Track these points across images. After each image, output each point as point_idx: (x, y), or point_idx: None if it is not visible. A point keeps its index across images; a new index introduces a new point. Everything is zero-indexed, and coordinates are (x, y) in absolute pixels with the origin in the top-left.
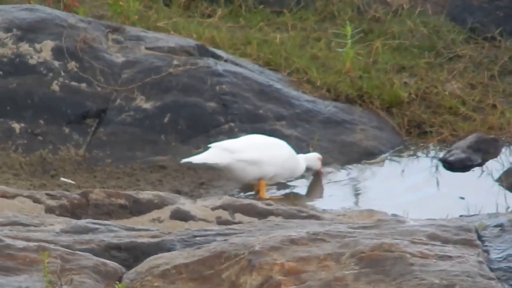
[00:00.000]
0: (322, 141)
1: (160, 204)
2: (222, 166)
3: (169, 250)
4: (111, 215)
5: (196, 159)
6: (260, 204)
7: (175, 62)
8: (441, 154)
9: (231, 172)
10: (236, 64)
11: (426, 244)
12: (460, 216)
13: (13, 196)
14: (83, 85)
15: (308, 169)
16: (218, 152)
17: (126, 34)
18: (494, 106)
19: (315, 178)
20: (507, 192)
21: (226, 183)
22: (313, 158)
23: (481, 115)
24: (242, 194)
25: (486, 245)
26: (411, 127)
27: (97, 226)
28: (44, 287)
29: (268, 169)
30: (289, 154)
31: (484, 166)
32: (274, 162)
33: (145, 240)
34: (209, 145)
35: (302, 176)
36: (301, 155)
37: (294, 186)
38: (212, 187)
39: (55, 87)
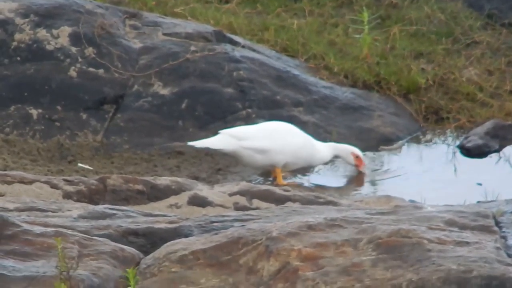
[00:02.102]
0: (340, 127)
1: (177, 190)
2: (227, 152)
3: (186, 235)
4: (129, 201)
5: (200, 143)
6: (277, 190)
7: (192, 48)
8: (458, 141)
9: (239, 159)
10: (254, 50)
11: (444, 230)
12: (478, 202)
13: (30, 182)
14: (101, 71)
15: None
16: (225, 138)
17: (143, 20)
18: (511, 92)
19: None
20: None
21: (244, 169)
22: (344, 150)
23: (499, 101)
24: (259, 180)
25: (504, 231)
26: (429, 114)
27: (114, 211)
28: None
29: (277, 157)
30: (302, 143)
31: (501, 152)
32: (285, 151)
33: (163, 225)
34: (219, 131)
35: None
36: (329, 144)
37: (313, 172)
38: (229, 173)
39: (72, 73)
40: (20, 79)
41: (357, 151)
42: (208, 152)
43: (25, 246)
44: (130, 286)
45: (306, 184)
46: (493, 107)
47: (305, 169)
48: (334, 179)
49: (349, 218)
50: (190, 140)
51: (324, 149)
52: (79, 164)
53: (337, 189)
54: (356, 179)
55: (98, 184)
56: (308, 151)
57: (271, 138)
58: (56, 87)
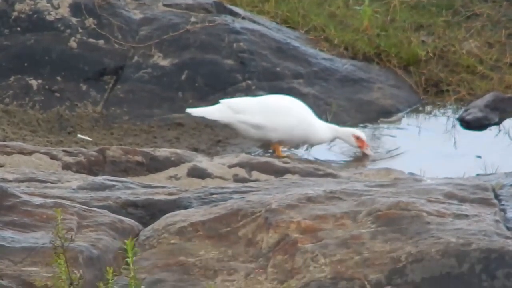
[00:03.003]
0: (340, 99)
1: (177, 162)
2: (222, 123)
3: (185, 207)
4: (128, 172)
5: (197, 111)
6: (277, 162)
7: (192, 19)
8: (458, 113)
9: (236, 131)
10: (254, 22)
11: (443, 202)
12: (477, 175)
13: (30, 153)
14: (101, 42)
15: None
16: (222, 109)
17: None
18: (511, 65)
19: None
20: None
21: (243, 140)
22: (345, 133)
23: (499, 74)
24: (259, 152)
25: (503, 204)
26: (429, 86)
27: (114, 183)
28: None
29: (271, 134)
30: (297, 122)
31: (501, 125)
32: (278, 129)
33: (162, 197)
34: (220, 101)
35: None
36: (330, 126)
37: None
38: (229, 145)
39: (72, 43)
40: (20, 50)
41: (358, 132)
42: (208, 124)
43: (24, 217)
44: (128, 257)
45: (307, 157)
46: (493, 80)
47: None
48: (335, 154)
49: (349, 190)
50: None
51: (324, 130)
52: (79, 135)
53: (337, 163)
54: (359, 158)
55: (97, 156)
56: (303, 130)
57: (265, 115)
58: (56, 57)
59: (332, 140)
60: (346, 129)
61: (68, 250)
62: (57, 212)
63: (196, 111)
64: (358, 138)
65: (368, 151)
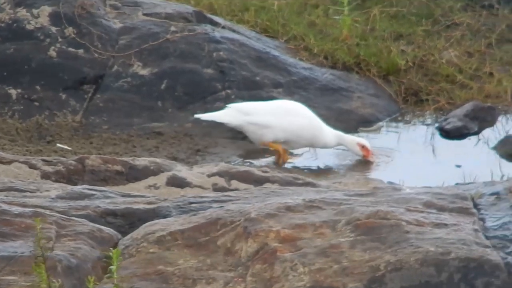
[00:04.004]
0: (319, 108)
1: (156, 171)
2: (233, 126)
3: (165, 216)
4: (107, 181)
5: (206, 116)
6: (256, 171)
7: (172, 29)
8: (437, 122)
9: (246, 133)
10: (234, 31)
11: (422, 212)
12: (456, 184)
13: (9, 162)
14: (81, 51)
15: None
16: (231, 112)
17: (123, 0)
18: (491, 74)
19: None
20: (503, 161)
21: (223, 150)
22: (350, 141)
23: (478, 83)
24: (238, 161)
25: (482, 213)
26: (408, 95)
27: (93, 192)
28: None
29: (280, 134)
30: (306, 124)
31: (480, 134)
32: (287, 129)
33: (141, 206)
34: (227, 105)
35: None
36: (336, 132)
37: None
38: (208, 154)
39: (52, 52)
40: None
41: (363, 141)
42: (187, 133)
43: (3, 227)
44: (112, 266)
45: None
46: (472, 89)
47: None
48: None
49: (328, 199)
50: (170, 121)
51: (330, 136)
52: (58, 145)
53: (317, 171)
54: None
55: (76, 165)
56: (311, 132)
57: (275, 115)
58: (35, 66)
59: (336, 146)
60: (351, 137)
61: (47, 259)
62: (36, 221)
63: (205, 116)
64: (363, 147)
65: (372, 159)
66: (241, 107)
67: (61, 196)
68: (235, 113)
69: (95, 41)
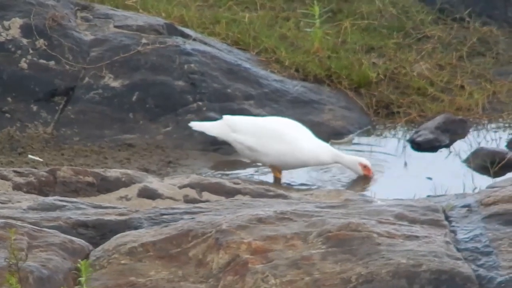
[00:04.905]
0: None
1: (127, 182)
2: (221, 140)
3: (136, 228)
4: (79, 193)
5: (198, 125)
6: (227, 183)
7: (143, 41)
8: (409, 135)
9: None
10: (205, 43)
11: (393, 224)
12: (428, 196)
13: None
14: (52, 63)
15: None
16: (221, 126)
17: (95, 12)
18: (462, 87)
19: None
20: (475, 173)
21: (194, 161)
22: (351, 162)
23: (449, 96)
24: (209, 173)
25: (453, 226)
26: (379, 108)
27: (64, 203)
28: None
29: (263, 158)
30: (288, 150)
31: (451, 146)
32: (269, 154)
33: (112, 217)
34: (223, 116)
35: None
36: (334, 151)
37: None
38: (179, 166)
39: (23, 64)
40: None
41: (364, 161)
42: (159, 145)
43: None
44: (81, 277)
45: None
46: (443, 102)
47: None
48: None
49: (299, 211)
50: (141, 133)
51: (324, 153)
52: (29, 156)
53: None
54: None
55: (48, 176)
56: (294, 157)
57: (258, 138)
58: (6, 78)
59: (332, 163)
60: (351, 157)
61: (19, 270)
62: (10, 232)
63: (197, 126)
64: (365, 167)
65: (373, 178)
66: (231, 122)
67: (32, 207)
68: (224, 128)
69: (66, 53)
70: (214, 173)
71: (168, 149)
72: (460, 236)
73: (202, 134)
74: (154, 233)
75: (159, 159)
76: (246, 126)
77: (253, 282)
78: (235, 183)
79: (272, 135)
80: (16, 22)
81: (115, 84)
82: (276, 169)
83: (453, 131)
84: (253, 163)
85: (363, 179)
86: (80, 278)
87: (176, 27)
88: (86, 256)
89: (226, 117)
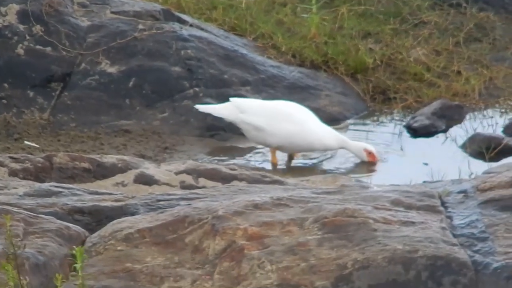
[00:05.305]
0: None
1: (124, 168)
2: (228, 121)
3: (132, 214)
4: (75, 179)
5: (204, 108)
6: (224, 169)
7: (140, 27)
8: (405, 121)
9: (240, 130)
10: (202, 29)
11: (389, 210)
12: (424, 182)
13: None
14: (48, 49)
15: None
16: (229, 107)
17: None
18: (458, 72)
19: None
20: (471, 159)
21: (190, 147)
22: (357, 148)
23: (446, 81)
24: (206, 158)
25: (449, 211)
26: (376, 93)
27: (60, 189)
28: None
29: (270, 139)
30: (298, 131)
31: (448, 132)
32: (278, 134)
33: (109, 204)
34: (230, 99)
35: None
36: (340, 137)
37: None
38: (176, 152)
39: (20, 50)
40: None
41: (370, 147)
42: (155, 131)
43: None
44: (76, 264)
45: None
46: (440, 87)
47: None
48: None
49: (295, 197)
50: (138, 119)
51: (330, 138)
52: (26, 142)
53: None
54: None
55: (44, 162)
56: (302, 139)
57: (269, 119)
58: (3, 64)
59: (338, 148)
60: (357, 143)
61: (18, 256)
62: (6, 218)
63: (204, 108)
64: (370, 153)
65: (377, 164)
66: (239, 103)
67: (28, 193)
68: (232, 109)
69: (63, 39)
70: (211, 159)
71: (165, 135)
72: (456, 222)
73: (198, 120)
74: (150, 219)
75: (155, 145)
76: (255, 107)
77: (249, 268)
78: (231, 169)
79: (282, 116)
80: (13, 8)
81: (112, 70)
82: (281, 151)
83: (449, 116)
84: (249, 149)
85: (366, 164)
86: (75, 265)
87: (173, 13)
88: (82, 243)
89: (233, 99)
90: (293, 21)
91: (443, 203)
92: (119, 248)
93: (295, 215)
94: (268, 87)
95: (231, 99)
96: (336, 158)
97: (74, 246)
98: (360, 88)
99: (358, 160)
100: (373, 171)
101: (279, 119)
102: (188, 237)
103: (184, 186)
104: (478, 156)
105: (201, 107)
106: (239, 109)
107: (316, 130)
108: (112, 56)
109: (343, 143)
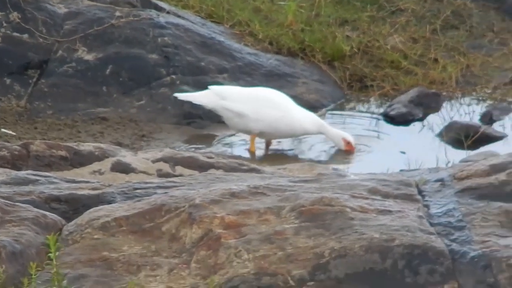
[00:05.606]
0: None
1: (101, 156)
2: (208, 108)
3: (109, 202)
4: (52, 167)
5: (184, 96)
6: (201, 157)
7: (117, 14)
8: (382, 108)
9: (221, 118)
10: (179, 16)
11: (366, 198)
12: (401, 170)
13: None
14: (25, 36)
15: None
16: (209, 95)
17: None
18: (435, 60)
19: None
20: (448, 147)
21: (168, 135)
22: (335, 136)
23: (423, 69)
24: (183, 146)
25: (426, 200)
26: (353, 81)
27: (37, 177)
28: None
29: (252, 124)
30: (280, 116)
31: (425, 120)
32: (260, 120)
33: (86, 192)
34: (208, 87)
35: None
36: (320, 122)
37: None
38: (153, 140)
39: None
40: None
41: (348, 137)
42: (132, 118)
43: None
44: (51, 252)
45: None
46: (417, 75)
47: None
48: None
49: (272, 185)
50: (115, 106)
51: (310, 123)
52: (2, 129)
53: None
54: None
55: (21, 150)
56: (285, 124)
57: (250, 104)
58: None
59: (317, 133)
60: (336, 131)
61: None
62: None
63: (183, 96)
64: (348, 143)
65: (353, 153)
66: (220, 91)
67: (5, 181)
68: (213, 96)
69: (40, 26)
70: (188, 147)
71: (142, 123)
72: (433, 210)
73: (175, 107)
74: (127, 207)
75: (132, 132)
76: (236, 94)
77: (226, 256)
78: (208, 157)
79: (264, 102)
80: None
81: (89, 57)
82: (262, 137)
83: (426, 104)
84: (226, 138)
85: (343, 153)
86: (49, 254)
87: (150, 0)
88: (59, 231)
89: (212, 87)
90: (270, 9)
91: (420, 192)
92: (95, 236)
93: (272, 203)
94: (245, 75)
95: (210, 87)
96: (314, 146)
97: (47, 235)
98: (337, 75)
99: (335, 149)
100: (349, 160)
101: (262, 105)
102: (165, 225)
103: (161, 174)
104: (455, 144)
105: (181, 95)
106: (220, 96)
107: (298, 115)
108: (89, 43)
109: (322, 128)
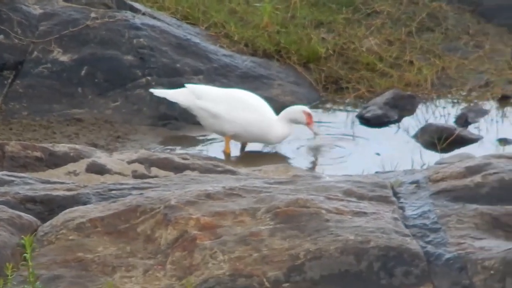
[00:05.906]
0: None
1: (76, 157)
2: (184, 107)
3: (84, 203)
4: (27, 168)
5: (159, 92)
6: (176, 158)
7: (93, 15)
8: (357, 110)
9: (196, 117)
10: (154, 18)
11: (342, 200)
12: (376, 172)
13: None
14: (1, 37)
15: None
16: (185, 93)
17: None
18: (411, 62)
19: None
20: (423, 149)
21: (143, 136)
22: (295, 111)
23: (398, 71)
24: (158, 148)
25: (402, 202)
26: (328, 83)
27: (12, 178)
28: None
29: (226, 126)
30: (254, 119)
31: (400, 122)
32: (234, 122)
33: (61, 193)
34: (185, 85)
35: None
36: (281, 114)
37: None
38: (128, 141)
39: None
40: None
41: (307, 109)
42: (107, 120)
43: None
44: (27, 253)
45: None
46: (392, 77)
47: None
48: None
49: (248, 187)
50: (90, 107)
51: (281, 126)
52: None
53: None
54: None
55: None
56: (259, 128)
57: (225, 106)
58: None
59: (289, 134)
60: (295, 106)
61: None
62: None
63: (159, 92)
64: (308, 114)
65: (315, 129)
66: (195, 90)
67: None
68: (189, 94)
69: (15, 27)
70: (163, 148)
71: (117, 124)
72: (409, 212)
73: (151, 109)
74: (102, 208)
75: (107, 134)
76: (212, 94)
77: (201, 258)
78: (183, 159)
79: (240, 104)
80: None
81: (64, 58)
82: (236, 140)
83: (402, 107)
84: (201, 139)
85: (318, 155)
86: (24, 255)
87: (125, 1)
88: (34, 232)
89: (189, 85)
90: (246, 10)
91: (395, 194)
92: (70, 237)
93: (247, 205)
94: (221, 76)
95: (186, 85)
96: (289, 147)
97: (26, 235)
98: (312, 77)
99: (310, 151)
100: (324, 162)
101: (237, 107)
102: (140, 226)
103: (136, 175)
104: (430, 147)
105: (156, 92)
106: (196, 95)
107: (273, 122)
108: (64, 44)
109: (287, 115)
